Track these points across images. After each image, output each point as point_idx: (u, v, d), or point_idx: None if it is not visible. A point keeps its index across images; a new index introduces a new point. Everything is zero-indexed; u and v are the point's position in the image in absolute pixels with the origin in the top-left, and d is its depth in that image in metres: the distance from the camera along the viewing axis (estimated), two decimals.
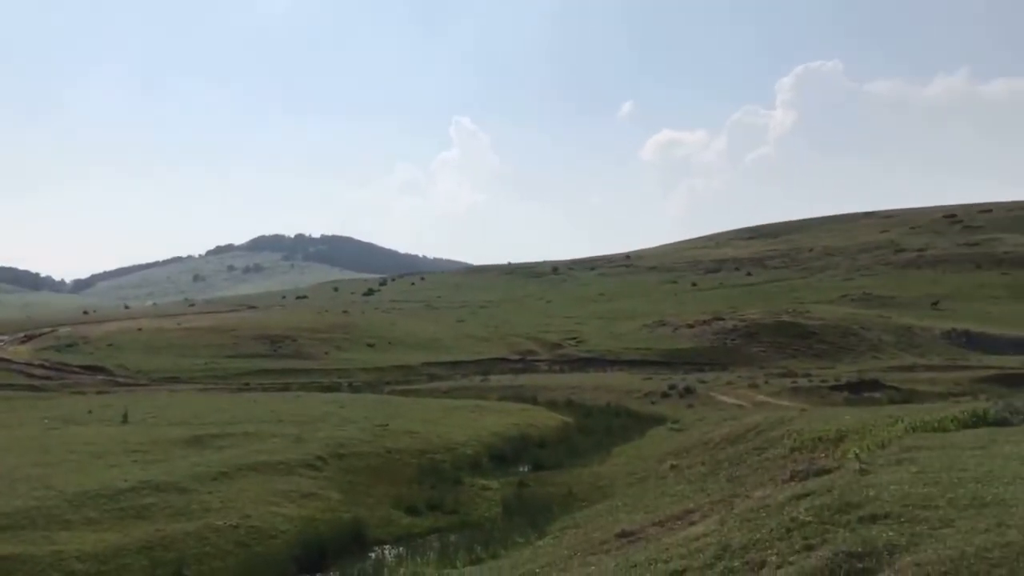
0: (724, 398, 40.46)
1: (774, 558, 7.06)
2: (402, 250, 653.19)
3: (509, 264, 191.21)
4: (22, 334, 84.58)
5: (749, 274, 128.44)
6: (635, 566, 8.72)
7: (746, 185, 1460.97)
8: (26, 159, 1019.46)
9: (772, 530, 7.83)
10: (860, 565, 6.16)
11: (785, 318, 77.05)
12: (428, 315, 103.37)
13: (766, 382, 44.73)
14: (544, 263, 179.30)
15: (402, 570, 14.65)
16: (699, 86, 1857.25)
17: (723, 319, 79.58)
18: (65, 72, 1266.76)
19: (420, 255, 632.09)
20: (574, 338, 78.25)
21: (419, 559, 15.27)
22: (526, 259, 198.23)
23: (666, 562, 8.27)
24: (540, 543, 14.79)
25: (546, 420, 33.40)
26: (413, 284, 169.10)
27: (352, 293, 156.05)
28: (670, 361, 65.97)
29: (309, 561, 15.47)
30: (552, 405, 39.40)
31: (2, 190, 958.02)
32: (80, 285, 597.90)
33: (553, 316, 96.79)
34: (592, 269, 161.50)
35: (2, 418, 29.85)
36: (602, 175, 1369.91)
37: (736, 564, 7.28)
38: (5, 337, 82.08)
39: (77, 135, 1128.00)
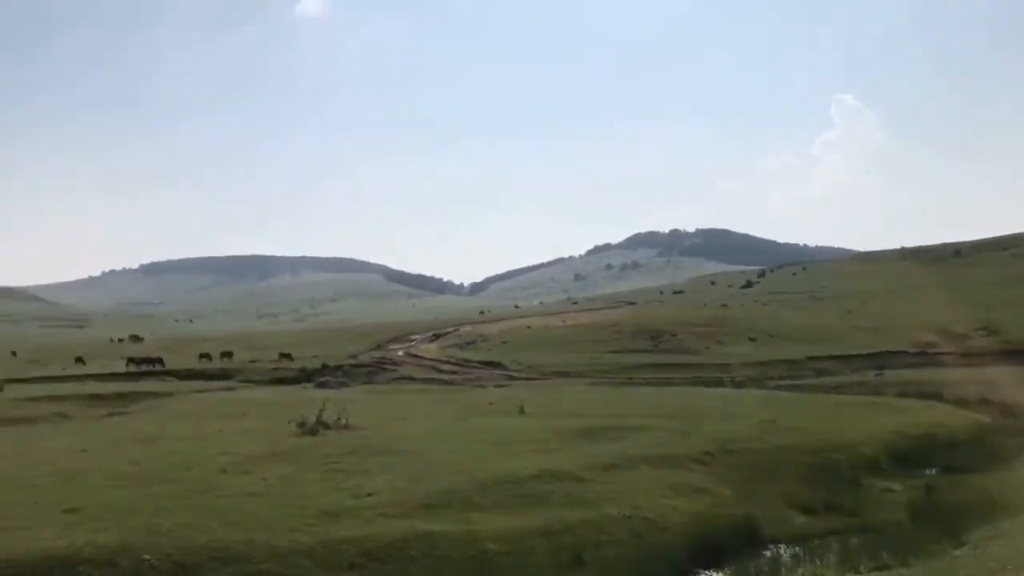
0: None
1: None
2: (781, 239, 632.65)
3: (903, 248, 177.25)
4: (430, 333, 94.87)
5: None
6: None
7: None
8: (433, 186, 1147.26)
9: None
10: None
11: None
12: (812, 306, 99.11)
13: None
14: (944, 246, 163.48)
15: (800, 571, 13.96)
16: None
17: None
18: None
19: (801, 243, 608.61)
20: (985, 328, 70.37)
21: (818, 561, 14.46)
22: (923, 242, 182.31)
23: None
24: (957, 553, 13.28)
25: (955, 419, 30.17)
26: (795, 274, 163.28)
27: (729, 286, 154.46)
28: None
29: (702, 556, 15.32)
30: (962, 403, 35.54)
31: (412, 212, 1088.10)
32: (476, 288, 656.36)
33: (958, 304, 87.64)
34: (1004, 249, 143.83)
35: (422, 409, 33.37)
36: (1013, 142, 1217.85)
37: None
38: (417, 336, 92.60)
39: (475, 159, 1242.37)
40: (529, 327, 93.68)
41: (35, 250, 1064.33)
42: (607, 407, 30.94)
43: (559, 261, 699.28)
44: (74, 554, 12.19)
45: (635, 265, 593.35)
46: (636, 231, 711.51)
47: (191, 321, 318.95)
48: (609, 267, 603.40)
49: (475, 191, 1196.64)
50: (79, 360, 74.04)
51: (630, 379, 56.25)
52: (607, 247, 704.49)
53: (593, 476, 18.08)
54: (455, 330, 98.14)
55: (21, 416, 35.95)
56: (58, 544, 12.53)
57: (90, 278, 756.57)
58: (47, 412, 38.06)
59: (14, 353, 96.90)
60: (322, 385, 52.79)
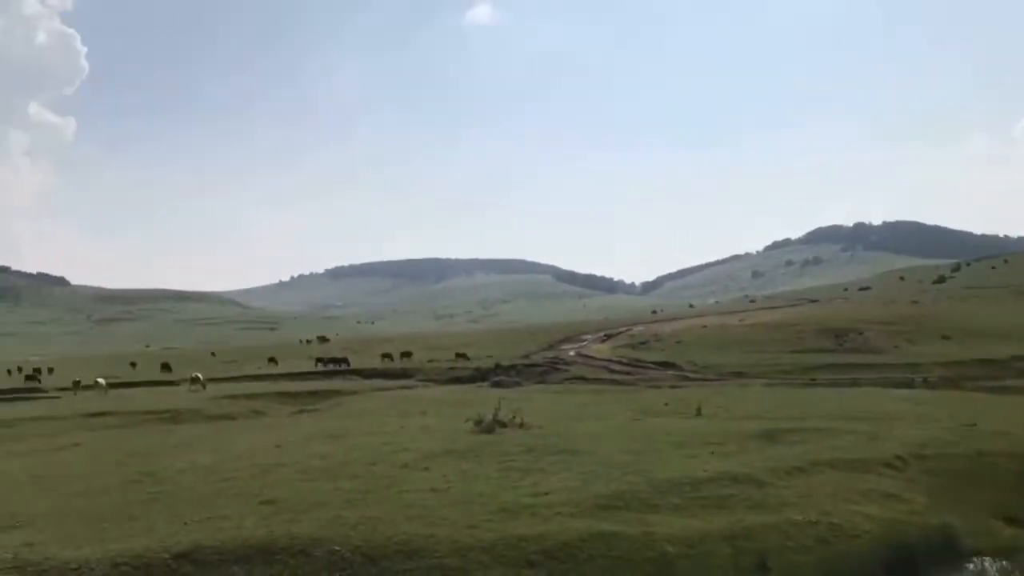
0: None
1: None
2: (977, 231, 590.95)
3: None
4: (602, 333, 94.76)
5: None
6: None
7: None
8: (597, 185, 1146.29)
9: None
10: None
11: None
12: (1015, 302, 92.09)
13: None
14: None
15: None
16: None
17: None
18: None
19: (1001, 235, 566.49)
20: None
21: None
22: None
23: None
24: None
25: None
26: (994, 268, 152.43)
27: (920, 281, 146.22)
28: None
29: (896, 564, 14.49)
30: None
31: (582, 212, 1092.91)
32: (648, 287, 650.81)
33: None
34: None
35: (595, 409, 33.26)
36: None
37: None
38: (589, 336, 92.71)
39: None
40: (704, 326, 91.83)
41: (232, 258, 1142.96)
42: (788, 409, 29.79)
43: (735, 258, 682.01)
44: (272, 544, 12.92)
45: (816, 261, 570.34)
46: (817, 225, 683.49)
47: (372, 323, 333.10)
48: (789, 263, 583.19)
49: (648, 190, 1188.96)
50: (272, 360, 78.77)
51: (812, 380, 53.99)
52: (786, 242, 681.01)
53: (775, 480, 17.43)
54: (627, 330, 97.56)
55: (221, 413, 38.69)
56: (258, 534, 13.33)
57: (280, 283, 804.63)
58: (244, 409, 40.77)
59: (214, 354, 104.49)
60: (497, 384, 53.69)
